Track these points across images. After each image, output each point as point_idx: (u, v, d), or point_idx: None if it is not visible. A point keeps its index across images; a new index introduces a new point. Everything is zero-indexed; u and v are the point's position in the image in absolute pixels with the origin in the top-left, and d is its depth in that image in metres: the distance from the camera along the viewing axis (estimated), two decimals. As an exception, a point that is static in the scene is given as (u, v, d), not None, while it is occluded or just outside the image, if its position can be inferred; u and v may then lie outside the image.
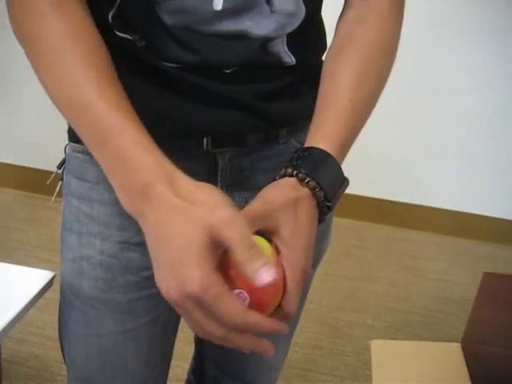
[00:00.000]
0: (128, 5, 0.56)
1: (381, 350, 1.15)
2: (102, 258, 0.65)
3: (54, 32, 0.51)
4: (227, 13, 0.55)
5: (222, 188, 0.64)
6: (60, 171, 0.70)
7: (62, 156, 0.69)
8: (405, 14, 0.63)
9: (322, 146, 0.55)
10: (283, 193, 0.52)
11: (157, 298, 0.47)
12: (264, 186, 0.54)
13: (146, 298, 0.67)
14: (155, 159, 0.49)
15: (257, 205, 0.51)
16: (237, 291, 0.47)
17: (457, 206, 2.21)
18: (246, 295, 0.47)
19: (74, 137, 0.64)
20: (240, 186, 0.65)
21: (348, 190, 0.58)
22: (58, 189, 0.71)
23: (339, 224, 0.87)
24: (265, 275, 0.44)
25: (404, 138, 2.17)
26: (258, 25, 0.57)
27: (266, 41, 0.58)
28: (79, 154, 0.65)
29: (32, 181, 2.23)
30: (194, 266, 0.44)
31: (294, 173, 0.53)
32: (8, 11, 0.54)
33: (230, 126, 0.61)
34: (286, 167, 0.54)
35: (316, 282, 0.81)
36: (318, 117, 0.59)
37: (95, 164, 0.52)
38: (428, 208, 2.23)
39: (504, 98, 2.06)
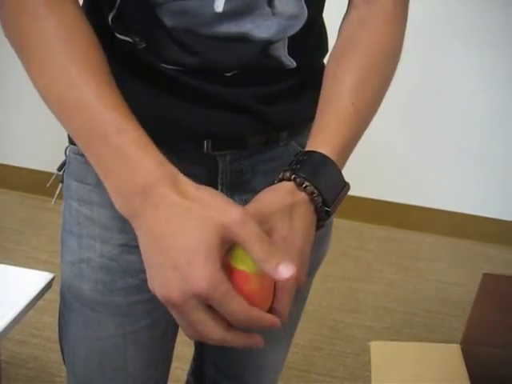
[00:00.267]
0: (128, 7, 0.56)
1: (380, 351, 1.15)
2: (101, 260, 0.65)
3: (47, 31, 0.50)
4: (228, 15, 0.55)
5: (222, 190, 0.64)
6: (60, 173, 0.70)
7: (62, 158, 0.69)
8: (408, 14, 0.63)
9: (322, 150, 0.54)
10: (279, 197, 0.51)
11: (157, 300, 0.47)
12: (264, 189, 0.53)
13: (146, 301, 0.66)
14: (155, 159, 0.48)
15: (252, 208, 0.50)
16: None
17: (456, 207, 2.21)
18: None
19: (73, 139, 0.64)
20: (240, 189, 0.65)
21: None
22: (58, 191, 0.71)
23: (338, 225, 0.87)
24: (284, 271, 0.44)
25: (403, 139, 2.17)
26: (259, 27, 0.57)
27: (268, 44, 0.58)
28: (79, 157, 0.65)
29: (31, 182, 2.22)
30: (203, 265, 0.43)
31: (292, 177, 0.52)
32: None
33: (231, 128, 0.61)
34: (285, 171, 0.53)
35: (315, 283, 0.81)
36: (319, 120, 0.58)
37: None
38: (427, 209, 2.24)
39: (505, 98, 2.06)
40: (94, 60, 0.51)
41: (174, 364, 0.79)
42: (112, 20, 0.57)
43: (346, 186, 0.56)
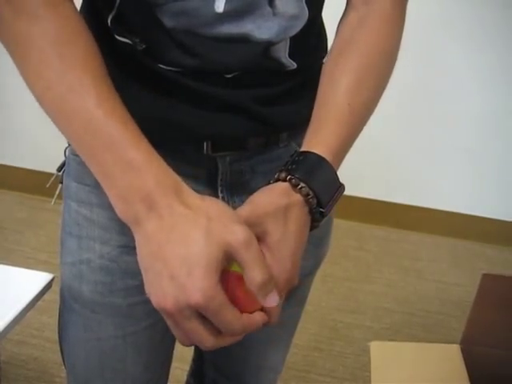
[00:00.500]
0: (128, 8, 0.55)
1: (380, 351, 1.15)
2: (101, 261, 0.65)
3: (47, 33, 0.50)
4: (229, 15, 0.55)
5: (221, 192, 0.64)
6: (60, 174, 0.69)
7: (62, 158, 0.69)
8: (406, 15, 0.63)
9: (317, 150, 0.54)
10: (274, 199, 0.51)
11: None
12: (259, 189, 0.53)
13: (146, 302, 0.65)
14: (159, 167, 0.48)
15: (246, 210, 0.50)
16: None
17: (455, 208, 2.21)
18: None
19: (73, 140, 0.64)
20: (240, 190, 0.65)
21: (347, 192, 0.57)
22: (57, 191, 0.71)
23: (338, 225, 0.87)
24: (271, 300, 0.47)
25: (402, 140, 2.17)
26: (260, 28, 0.56)
27: (269, 45, 0.58)
28: (79, 158, 0.64)
29: (31, 182, 2.22)
30: (202, 278, 0.44)
31: (288, 178, 0.52)
32: None
33: (231, 130, 0.60)
34: (280, 171, 0.53)
35: (315, 284, 0.81)
36: (315, 121, 0.58)
37: None
38: (427, 209, 2.24)
39: (503, 98, 2.07)
40: (93, 63, 0.51)
41: (173, 364, 0.79)
42: (111, 21, 0.57)
43: (340, 186, 0.55)
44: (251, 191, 0.54)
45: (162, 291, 0.45)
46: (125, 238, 0.64)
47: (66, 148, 0.67)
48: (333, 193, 0.54)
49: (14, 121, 2.29)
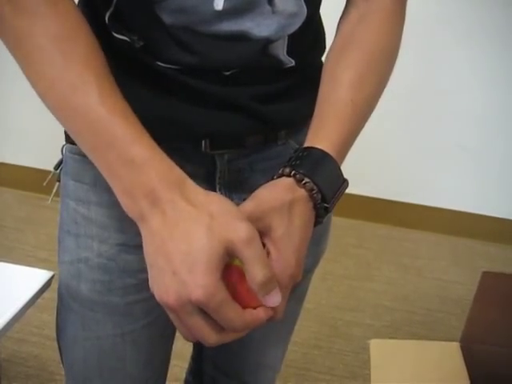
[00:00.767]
0: (126, 5, 0.55)
1: (380, 349, 1.15)
2: (99, 260, 0.65)
3: (49, 31, 0.50)
4: (228, 13, 0.55)
5: (220, 190, 0.64)
6: (57, 172, 0.69)
7: (60, 156, 0.69)
8: (406, 12, 0.63)
9: (321, 146, 0.54)
10: (278, 194, 0.51)
11: (155, 300, 0.47)
12: (262, 185, 0.53)
13: (145, 301, 0.66)
14: (162, 163, 0.48)
15: (250, 205, 0.50)
16: None
17: (456, 206, 2.21)
18: None
19: (70, 138, 0.63)
20: (238, 188, 0.65)
21: (347, 190, 0.57)
22: (54, 189, 0.71)
23: (338, 223, 0.87)
24: (273, 299, 0.47)
25: (403, 138, 2.17)
26: (259, 26, 0.56)
27: (267, 42, 0.58)
28: (76, 156, 0.64)
29: (31, 180, 2.22)
30: (203, 274, 0.44)
31: (292, 173, 0.52)
32: None
33: (229, 128, 0.60)
34: (285, 167, 0.53)
35: (315, 282, 0.81)
36: (317, 117, 0.58)
37: (92, 166, 0.52)
38: (427, 207, 2.23)
39: (505, 96, 2.06)
40: (95, 60, 0.51)
41: (172, 362, 0.79)
42: (109, 18, 0.56)
43: (344, 182, 0.56)
44: (250, 189, 0.54)
45: (165, 286, 0.45)
46: (123, 236, 0.64)
47: (63, 146, 0.67)
48: (337, 188, 0.55)
49: (13, 119, 2.29)
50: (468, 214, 2.21)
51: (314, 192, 0.52)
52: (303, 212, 0.52)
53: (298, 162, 0.53)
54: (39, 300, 0.80)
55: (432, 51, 2.04)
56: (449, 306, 1.85)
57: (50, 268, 0.84)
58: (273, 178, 0.54)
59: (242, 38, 0.57)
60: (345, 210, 1.91)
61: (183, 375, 0.95)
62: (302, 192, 0.52)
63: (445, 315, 1.81)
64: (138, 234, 0.49)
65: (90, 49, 0.51)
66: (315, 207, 0.53)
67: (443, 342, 1.17)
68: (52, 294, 0.78)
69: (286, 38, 0.59)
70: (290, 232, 0.50)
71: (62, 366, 0.75)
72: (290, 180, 0.52)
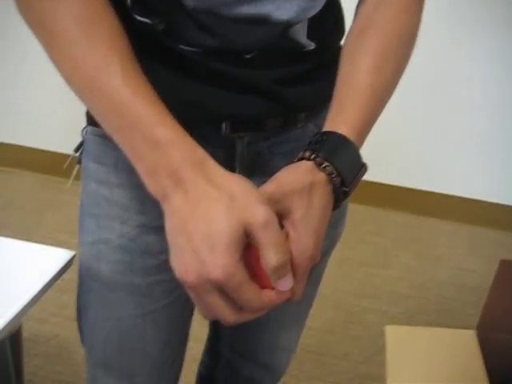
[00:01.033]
0: None
1: (395, 335, 1.15)
2: (121, 241, 0.66)
3: (73, 12, 0.50)
4: None
5: (239, 173, 0.64)
6: (77, 155, 0.70)
7: (80, 139, 0.70)
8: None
9: (341, 130, 0.54)
10: (299, 177, 0.51)
11: (175, 280, 0.48)
12: (282, 168, 0.53)
13: (166, 281, 0.67)
14: (185, 144, 0.49)
15: (271, 187, 0.51)
16: None
17: (474, 194, 2.19)
18: None
19: (92, 120, 0.64)
20: (258, 171, 0.65)
21: (364, 177, 0.57)
22: (74, 172, 0.72)
23: (356, 210, 0.87)
24: (284, 284, 0.47)
25: (422, 126, 2.15)
26: (279, 9, 0.56)
27: (288, 26, 0.58)
28: (97, 138, 0.65)
29: (51, 164, 2.25)
30: (222, 254, 0.44)
31: (312, 156, 0.52)
32: None
33: (249, 110, 0.61)
34: (305, 150, 0.53)
35: (332, 268, 0.81)
36: (337, 101, 0.58)
37: (114, 147, 0.52)
38: (445, 195, 2.22)
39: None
40: (119, 42, 0.51)
41: (189, 344, 0.80)
42: (131, 1, 0.57)
43: (363, 166, 0.56)
44: (269, 172, 0.54)
45: (185, 265, 0.46)
46: (144, 217, 0.65)
47: (84, 128, 0.68)
48: (356, 172, 0.55)
49: (34, 103, 2.31)
50: (486, 202, 2.19)
51: (333, 176, 0.52)
52: (322, 195, 0.52)
53: (317, 145, 0.53)
54: (59, 281, 0.81)
55: (444, 38, 2.01)
56: (465, 294, 1.84)
57: (70, 250, 0.85)
58: (293, 162, 0.54)
59: (262, 21, 0.57)
60: (363, 198, 1.90)
61: (200, 356, 0.96)
62: (321, 175, 0.52)
63: (461, 303, 1.81)
64: (159, 216, 0.50)
65: (114, 31, 0.51)
66: (334, 191, 0.53)
67: (459, 330, 1.17)
68: (72, 275, 0.79)
69: (306, 21, 0.59)
70: (309, 215, 0.50)
71: (82, 346, 0.77)
72: (310, 163, 0.52)
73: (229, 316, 0.47)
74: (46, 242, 0.89)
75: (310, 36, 0.60)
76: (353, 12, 0.63)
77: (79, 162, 0.70)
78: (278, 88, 0.60)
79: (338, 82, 0.59)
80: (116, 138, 0.51)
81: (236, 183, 0.48)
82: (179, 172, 0.47)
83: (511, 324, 1.07)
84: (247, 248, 0.47)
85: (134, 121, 0.49)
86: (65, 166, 0.75)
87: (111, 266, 0.67)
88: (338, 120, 0.56)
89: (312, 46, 0.61)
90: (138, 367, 0.74)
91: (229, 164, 0.64)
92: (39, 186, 2.29)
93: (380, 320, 1.70)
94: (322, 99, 0.61)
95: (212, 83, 0.59)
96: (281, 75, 0.60)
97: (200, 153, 0.49)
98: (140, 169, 0.50)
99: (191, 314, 0.77)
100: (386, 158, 2.13)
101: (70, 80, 0.52)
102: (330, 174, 0.52)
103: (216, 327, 0.89)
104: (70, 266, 0.81)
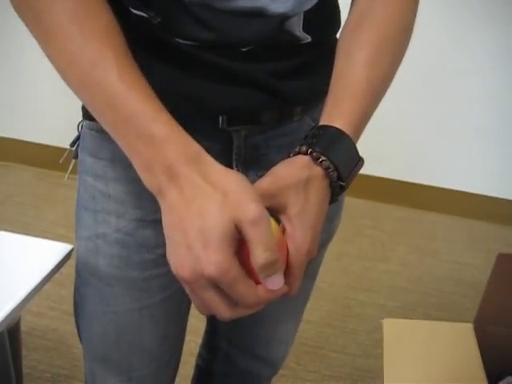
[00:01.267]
0: None
1: (393, 328, 1.16)
2: (117, 235, 0.66)
3: (66, 8, 0.50)
4: None
5: (236, 166, 0.65)
6: (73, 149, 0.70)
7: (76, 133, 0.70)
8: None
9: (337, 124, 0.54)
10: (295, 171, 0.51)
11: (172, 275, 0.48)
12: (279, 163, 0.53)
13: (162, 275, 0.67)
14: (180, 139, 0.49)
15: (267, 182, 0.51)
16: None
17: (472, 188, 2.19)
18: None
19: (88, 114, 0.64)
20: (255, 164, 0.65)
21: (362, 171, 0.57)
22: (71, 167, 0.72)
23: (353, 204, 0.86)
24: (273, 283, 0.46)
25: (420, 120, 2.15)
26: (275, 2, 0.56)
27: (284, 19, 0.58)
28: (94, 132, 0.65)
29: (48, 158, 2.25)
30: (216, 250, 0.44)
31: (309, 151, 0.52)
32: None
33: (246, 104, 0.60)
34: (301, 145, 0.53)
35: (329, 262, 0.81)
36: (333, 95, 0.58)
37: (110, 141, 0.52)
38: (443, 189, 2.22)
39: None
40: (114, 37, 0.51)
41: (187, 338, 0.80)
42: None
43: (360, 160, 0.56)
44: (266, 166, 0.54)
45: (180, 260, 0.46)
46: (140, 211, 0.65)
47: (80, 122, 0.68)
48: (353, 166, 0.55)
49: (31, 97, 2.31)
50: (484, 196, 2.19)
51: (330, 170, 0.52)
52: (319, 190, 0.52)
53: (314, 140, 0.53)
54: (57, 275, 0.81)
55: (445, 31, 2.01)
56: (463, 288, 1.85)
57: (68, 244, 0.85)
58: (289, 156, 0.54)
59: (258, 14, 0.56)
60: (360, 191, 1.91)
61: (197, 350, 0.97)
62: (318, 170, 0.52)
63: (458, 297, 1.81)
64: (156, 210, 0.50)
65: (110, 27, 0.51)
66: (331, 185, 0.53)
67: (456, 323, 1.17)
68: (69, 270, 0.79)
69: (302, 14, 0.59)
70: (305, 209, 0.50)
71: (79, 340, 0.77)
72: (307, 158, 0.52)
73: (224, 312, 0.47)
74: (43, 235, 0.89)
75: (305, 29, 0.60)
76: (348, 5, 0.63)
77: (76, 156, 0.70)
78: (274, 81, 0.60)
79: (334, 76, 0.59)
80: (111, 132, 0.51)
81: (230, 179, 0.48)
82: (174, 167, 0.47)
83: (509, 318, 1.07)
84: (243, 244, 0.47)
85: (129, 116, 0.49)
86: (61, 160, 0.75)
87: (108, 260, 0.67)
88: (334, 114, 0.55)
89: (308, 39, 0.61)
90: (135, 362, 0.74)
91: (226, 157, 0.64)
92: (37, 180, 2.29)
93: (378, 314, 1.71)
94: (319, 93, 0.61)
95: (208, 77, 0.59)
96: (277, 68, 0.60)
97: (195, 148, 0.49)
98: (136, 164, 0.50)
99: (188, 308, 0.77)
100: (384, 152, 2.13)
101: (65, 75, 0.52)
102: (326, 169, 0.52)
103: (213, 321, 0.90)
104: (67, 259, 0.81)
